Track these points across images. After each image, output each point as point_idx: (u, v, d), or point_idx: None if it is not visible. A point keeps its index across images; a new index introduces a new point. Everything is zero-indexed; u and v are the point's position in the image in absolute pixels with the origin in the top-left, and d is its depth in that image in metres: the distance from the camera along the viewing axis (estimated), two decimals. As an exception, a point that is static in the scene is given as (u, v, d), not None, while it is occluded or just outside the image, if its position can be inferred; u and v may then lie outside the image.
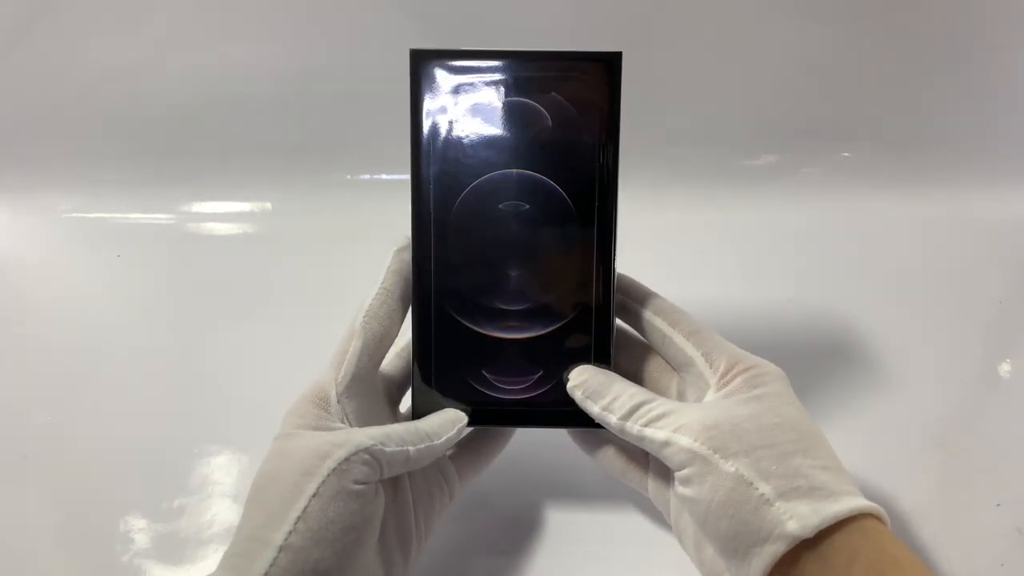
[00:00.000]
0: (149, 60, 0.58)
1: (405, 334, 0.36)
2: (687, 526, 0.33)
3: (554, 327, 0.36)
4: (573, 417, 0.36)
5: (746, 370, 0.33)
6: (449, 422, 0.35)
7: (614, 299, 0.36)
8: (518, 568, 0.38)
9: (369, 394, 0.34)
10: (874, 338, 0.50)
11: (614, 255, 0.35)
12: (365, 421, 0.33)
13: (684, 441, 0.31)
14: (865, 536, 0.28)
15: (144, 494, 0.42)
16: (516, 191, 0.35)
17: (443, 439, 0.33)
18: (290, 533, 0.27)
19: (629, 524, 0.39)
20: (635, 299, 0.37)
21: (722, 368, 0.34)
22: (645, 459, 0.36)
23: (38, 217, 0.61)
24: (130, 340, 0.52)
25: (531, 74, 0.35)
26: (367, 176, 0.62)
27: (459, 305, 0.36)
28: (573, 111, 0.35)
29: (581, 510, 0.40)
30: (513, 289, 0.35)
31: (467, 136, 0.35)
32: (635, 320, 0.37)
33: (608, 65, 0.34)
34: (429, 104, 0.35)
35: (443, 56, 0.35)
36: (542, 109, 0.35)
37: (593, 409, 0.34)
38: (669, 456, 0.32)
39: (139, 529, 0.40)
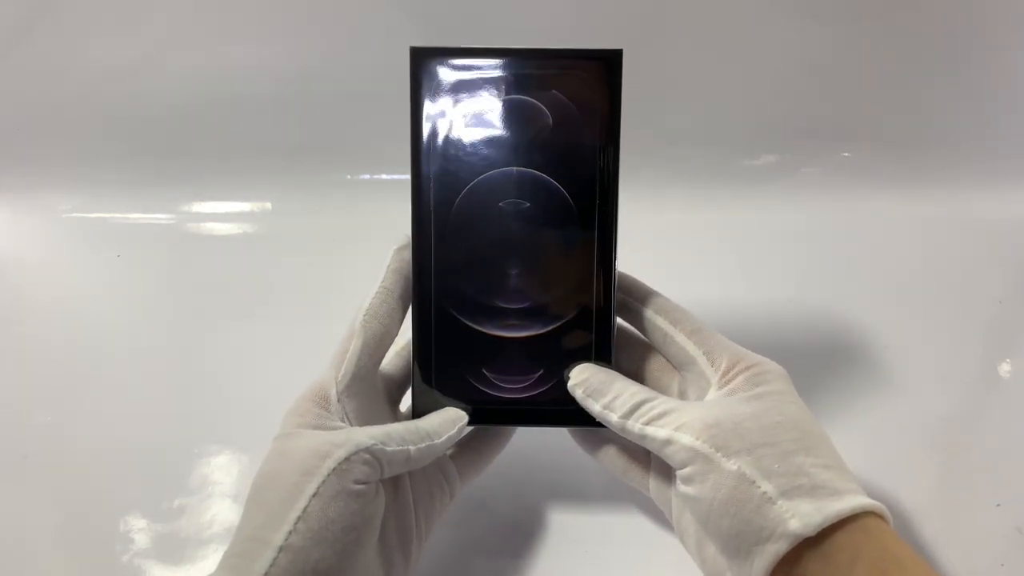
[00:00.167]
0: (149, 60, 0.58)
1: (405, 333, 0.36)
2: (689, 525, 0.33)
3: (555, 326, 0.35)
4: (574, 416, 0.35)
5: (748, 368, 0.33)
6: (449, 421, 0.34)
7: (615, 297, 0.35)
8: (519, 569, 0.38)
9: (369, 393, 0.34)
10: (874, 338, 0.50)
11: (615, 252, 0.35)
12: (365, 420, 0.33)
13: (686, 439, 0.31)
14: (868, 534, 0.28)
15: (144, 494, 0.42)
16: (516, 189, 0.35)
17: (444, 438, 0.33)
18: (290, 533, 0.27)
19: (630, 525, 0.39)
20: (636, 298, 0.37)
21: (723, 366, 0.34)
22: (646, 458, 0.36)
23: (38, 217, 0.61)
24: (130, 340, 0.52)
25: (531, 71, 0.34)
26: (367, 176, 0.62)
27: (459, 304, 0.35)
28: (574, 109, 0.34)
29: (581, 511, 0.40)
30: (514, 287, 0.35)
31: (467, 134, 0.35)
32: (636, 319, 0.37)
33: (609, 62, 0.34)
34: (429, 102, 0.35)
35: (443, 54, 0.34)
36: (542, 107, 0.35)
37: (594, 408, 0.34)
38: (671, 454, 0.32)
39: (139, 529, 0.40)
